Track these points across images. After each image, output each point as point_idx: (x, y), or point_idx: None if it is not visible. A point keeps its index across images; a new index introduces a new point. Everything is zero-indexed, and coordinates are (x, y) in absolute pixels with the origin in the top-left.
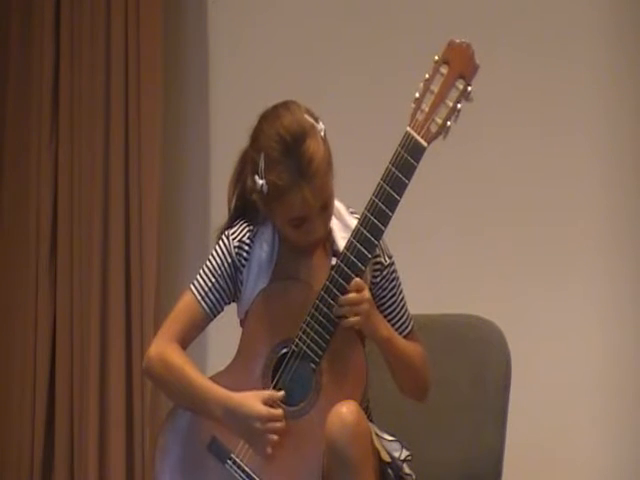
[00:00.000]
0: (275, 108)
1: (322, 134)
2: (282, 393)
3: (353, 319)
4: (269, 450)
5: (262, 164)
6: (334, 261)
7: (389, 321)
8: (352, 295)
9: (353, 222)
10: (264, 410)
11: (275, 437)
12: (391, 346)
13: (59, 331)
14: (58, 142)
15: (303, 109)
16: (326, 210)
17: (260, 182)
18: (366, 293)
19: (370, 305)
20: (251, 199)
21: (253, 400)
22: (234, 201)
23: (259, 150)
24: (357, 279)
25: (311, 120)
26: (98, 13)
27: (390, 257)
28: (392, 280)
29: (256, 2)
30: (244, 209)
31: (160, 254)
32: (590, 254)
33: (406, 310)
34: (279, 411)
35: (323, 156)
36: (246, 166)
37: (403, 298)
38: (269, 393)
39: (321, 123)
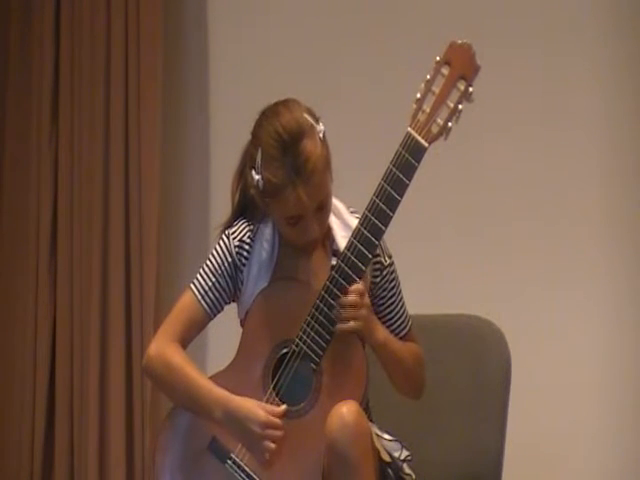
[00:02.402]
0: (275, 105)
1: (321, 135)
2: (284, 408)
3: (351, 324)
4: (266, 456)
5: (259, 160)
6: (334, 261)
7: (387, 321)
8: (353, 298)
9: (353, 221)
10: (263, 415)
11: (272, 445)
12: (386, 350)
13: (59, 331)
14: (58, 142)
15: (303, 108)
16: (322, 210)
17: (256, 177)
18: (366, 299)
19: (368, 311)
20: (251, 194)
21: (253, 405)
22: (237, 196)
23: (257, 146)
24: (357, 285)
25: (310, 120)
26: (98, 13)
27: (390, 257)
28: (392, 280)
29: (256, 2)
30: (246, 204)
31: (160, 254)
32: (590, 254)
33: (405, 310)
34: (279, 421)
35: (320, 156)
36: (247, 161)
37: (402, 298)
38: (271, 406)
39: (321, 124)
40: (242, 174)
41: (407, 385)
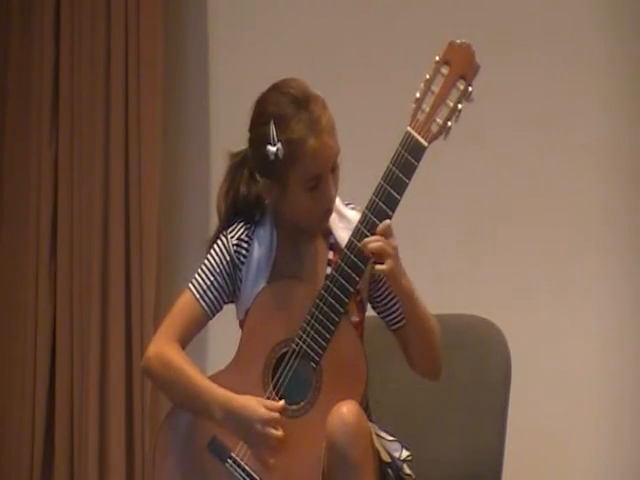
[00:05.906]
0: (274, 84)
1: (323, 101)
2: (282, 403)
3: (384, 267)
4: (268, 454)
5: (273, 130)
6: (331, 255)
7: (393, 311)
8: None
9: (349, 212)
10: (265, 413)
11: (275, 440)
12: (412, 301)
13: (59, 331)
14: (58, 142)
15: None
16: (335, 170)
17: (273, 149)
18: (394, 238)
19: (396, 252)
20: (244, 206)
21: (254, 403)
22: (225, 211)
23: (266, 122)
24: (386, 221)
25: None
26: (98, 13)
27: None
28: None
29: (256, 2)
30: (236, 214)
31: (160, 254)
32: (590, 254)
33: None
34: (278, 416)
35: (329, 116)
36: (236, 175)
37: None
38: (270, 402)
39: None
40: (230, 190)
41: (428, 353)
